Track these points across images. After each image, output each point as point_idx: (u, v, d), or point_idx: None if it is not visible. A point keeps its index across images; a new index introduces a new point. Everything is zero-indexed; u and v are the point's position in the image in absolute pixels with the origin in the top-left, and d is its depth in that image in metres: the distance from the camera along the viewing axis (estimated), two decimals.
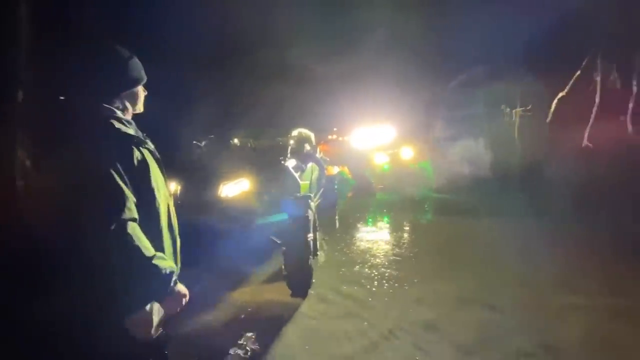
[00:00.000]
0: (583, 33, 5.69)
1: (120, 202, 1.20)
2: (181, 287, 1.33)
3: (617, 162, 5.65)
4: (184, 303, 1.34)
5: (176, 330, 2.45)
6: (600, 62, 5.86)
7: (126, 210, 1.20)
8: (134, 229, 1.20)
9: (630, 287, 3.13)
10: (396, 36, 6.40)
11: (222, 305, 3.16)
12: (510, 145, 6.76)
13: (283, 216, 3.41)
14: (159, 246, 1.33)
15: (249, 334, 2.66)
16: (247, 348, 2.54)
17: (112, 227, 1.16)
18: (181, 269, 1.49)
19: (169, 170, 1.48)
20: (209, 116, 5.22)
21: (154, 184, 1.32)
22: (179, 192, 4.02)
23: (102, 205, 1.19)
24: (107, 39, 1.45)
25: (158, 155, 1.44)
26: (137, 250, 1.19)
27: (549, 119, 6.32)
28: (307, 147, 5.09)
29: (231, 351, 2.51)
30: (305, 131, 5.04)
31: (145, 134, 1.46)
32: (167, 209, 1.41)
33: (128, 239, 1.18)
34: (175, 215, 1.49)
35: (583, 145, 6.00)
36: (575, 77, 6.08)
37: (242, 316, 3.01)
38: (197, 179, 4.37)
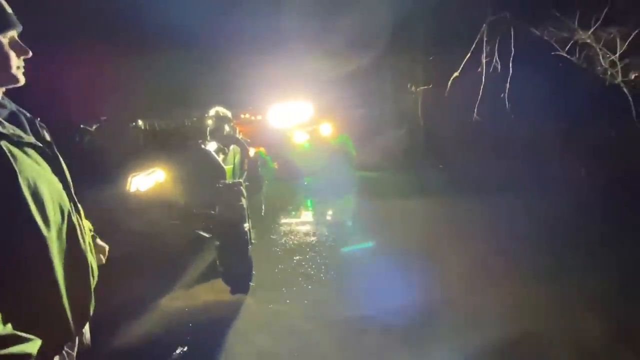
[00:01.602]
0: (475, 17, 6.35)
1: None
2: None
3: (500, 134, 6.64)
4: None
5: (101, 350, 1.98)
6: (485, 46, 6.66)
7: None
8: None
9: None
10: (307, 12, 6.20)
11: (152, 317, 2.70)
12: (416, 121, 7.33)
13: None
14: (48, 287, 0.89)
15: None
16: None
17: None
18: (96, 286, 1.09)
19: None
20: (100, 95, 4.33)
21: (25, 194, 0.84)
22: None
23: None
24: None
25: (52, 150, 0.98)
26: None
27: (446, 96, 7.00)
28: (227, 127, 4.67)
29: None
30: (222, 110, 4.61)
31: (38, 119, 1.00)
32: (66, 225, 0.95)
33: None
34: (85, 229, 1.06)
35: (473, 119, 6.83)
36: (465, 59, 6.81)
37: (178, 325, 2.61)
38: (94, 172, 3.63)
